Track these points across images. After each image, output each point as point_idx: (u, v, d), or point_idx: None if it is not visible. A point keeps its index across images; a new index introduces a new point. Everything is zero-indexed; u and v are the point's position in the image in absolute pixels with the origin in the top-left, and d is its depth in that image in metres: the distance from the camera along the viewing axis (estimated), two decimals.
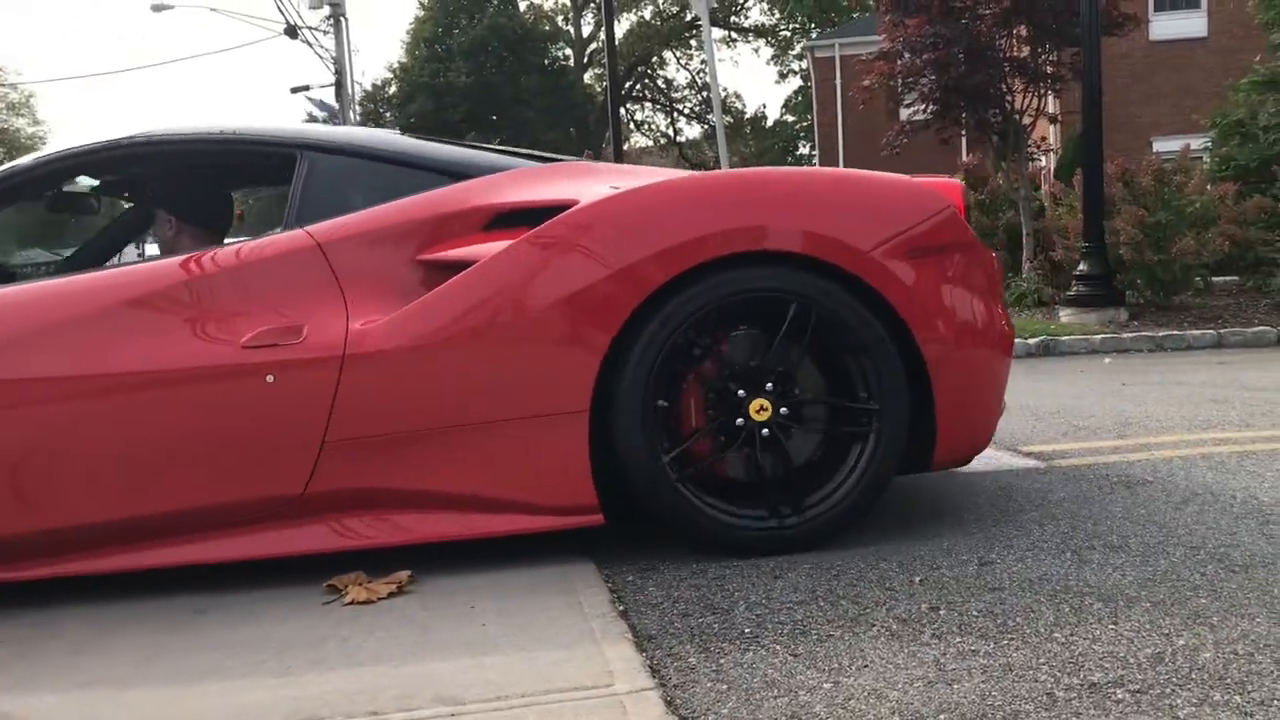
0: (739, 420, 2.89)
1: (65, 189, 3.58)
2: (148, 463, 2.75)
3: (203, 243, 3.33)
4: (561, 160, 3.44)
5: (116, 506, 2.75)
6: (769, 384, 2.89)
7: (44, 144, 63.94)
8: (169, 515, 2.77)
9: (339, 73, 31.32)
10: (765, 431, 2.89)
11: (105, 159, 3.25)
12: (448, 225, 2.98)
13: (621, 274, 2.76)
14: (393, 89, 41.96)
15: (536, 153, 3.57)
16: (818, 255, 2.80)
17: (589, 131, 42.06)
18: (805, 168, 3.28)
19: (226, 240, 3.44)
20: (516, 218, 2.94)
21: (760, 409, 2.88)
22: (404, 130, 3.81)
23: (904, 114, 14.48)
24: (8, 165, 3.17)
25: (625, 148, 28.97)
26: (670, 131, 49.21)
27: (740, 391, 2.88)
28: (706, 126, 47.42)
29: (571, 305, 2.77)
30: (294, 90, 31.59)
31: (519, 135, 36.94)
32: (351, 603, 2.69)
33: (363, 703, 2.06)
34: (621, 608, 2.59)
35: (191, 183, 3.57)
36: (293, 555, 2.83)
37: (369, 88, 41.72)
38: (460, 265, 2.86)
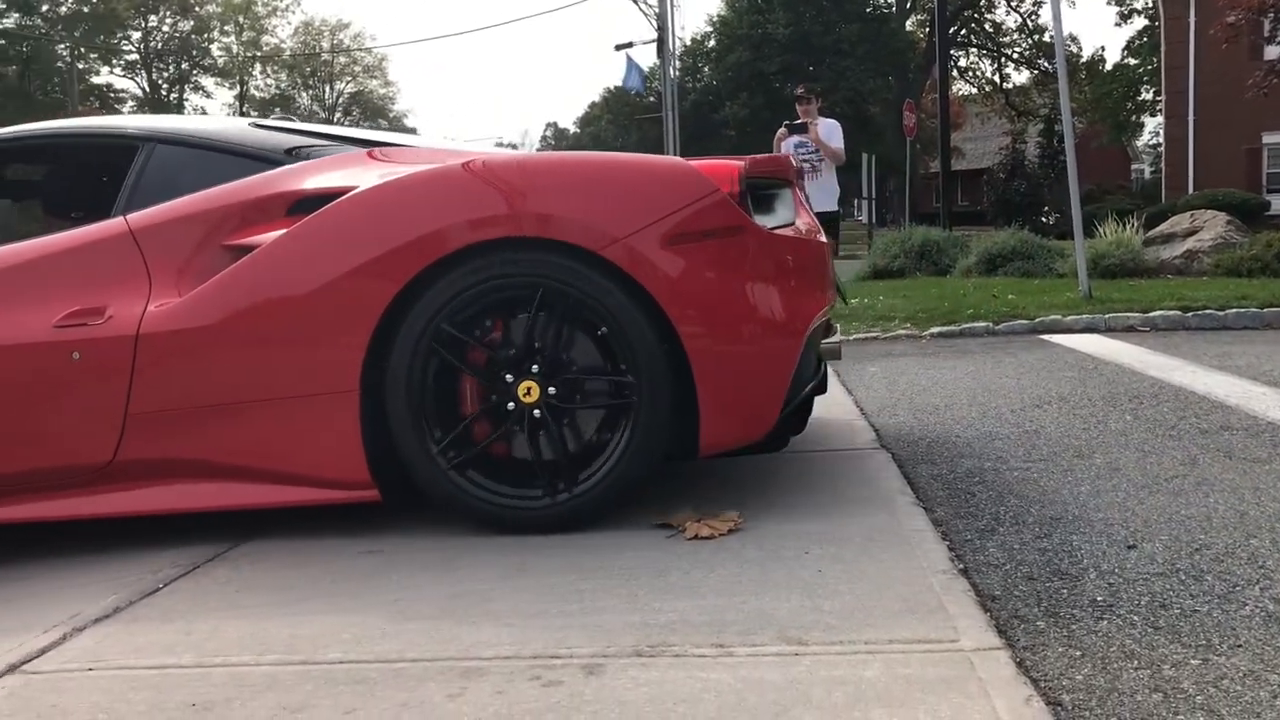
0: (510, 405, 2.88)
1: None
2: None
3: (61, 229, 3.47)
4: (390, 144, 3.45)
5: None
6: (535, 367, 2.87)
7: (393, 104, 69.28)
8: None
9: (661, 29, 31.94)
10: (536, 413, 2.88)
11: None
12: (255, 210, 3.06)
13: (378, 261, 2.82)
14: (711, 43, 42.34)
15: (367, 135, 3.57)
16: (570, 241, 2.78)
17: (909, 80, 40.76)
18: (568, 153, 3.21)
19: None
20: (315, 203, 2.98)
21: (528, 391, 2.87)
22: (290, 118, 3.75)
23: (1272, 52, 13.04)
24: None
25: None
26: (996, 78, 46.84)
27: (509, 376, 2.88)
28: (1035, 72, 44.77)
29: (332, 291, 2.85)
30: (618, 47, 32.54)
31: (836, 85, 36.32)
32: (694, 538, 2.78)
33: (709, 634, 2.13)
34: (961, 566, 2.53)
35: (50, 174, 3.76)
36: (109, 517, 3.01)
37: (689, 42, 42.31)
38: None
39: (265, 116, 67.93)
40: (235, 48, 65.22)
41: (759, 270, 2.90)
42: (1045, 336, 7.53)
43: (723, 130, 35.86)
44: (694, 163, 2.97)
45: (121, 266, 3.06)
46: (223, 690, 1.99)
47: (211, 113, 64.26)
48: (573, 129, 72.41)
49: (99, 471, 2.99)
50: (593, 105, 63.58)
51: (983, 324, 7.91)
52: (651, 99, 39.01)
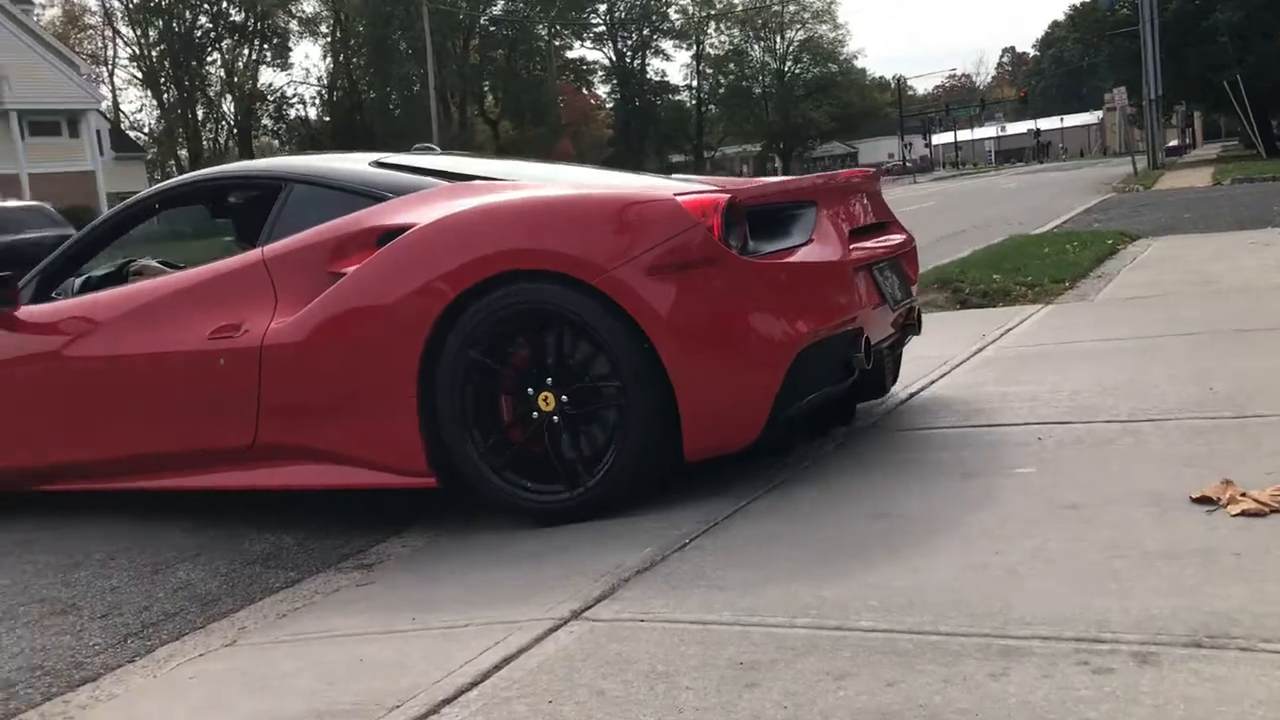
0: (534, 413, 3.26)
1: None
2: (166, 415, 3.85)
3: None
4: (478, 179, 3.84)
5: (139, 444, 3.92)
6: (550, 379, 3.25)
7: (843, 46, 68.94)
8: (171, 454, 3.87)
9: None
10: (555, 419, 3.24)
11: (182, 194, 4.51)
12: (353, 242, 3.59)
13: (422, 289, 3.32)
14: None
15: (463, 168, 3.97)
16: (566, 272, 3.15)
17: None
18: (565, 194, 3.50)
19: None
20: (393, 236, 3.48)
21: (545, 400, 3.24)
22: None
23: None
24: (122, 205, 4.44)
25: None
26: None
27: (529, 389, 3.27)
28: None
29: (390, 312, 3.38)
30: None
31: None
32: (1241, 514, 2.52)
33: (1275, 626, 1.92)
34: None
35: (233, 208, 4.59)
36: (256, 489, 3.75)
37: None
38: None
39: (720, 71, 69.88)
40: (691, 9, 68.01)
41: (738, 297, 3.15)
42: None
43: (1213, 38, 31.92)
44: (680, 196, 3.22)
45: (257, 290, 3.73)
46: (764, 650, 2.09)
47: (670, 74, 67.59)
48: (1032, 51, 68.12)
49: (244, 452, 3.73)
50: (1055, 25, 59.38)
51: None
52: (1125, 11, 35.59)
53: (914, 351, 5.55)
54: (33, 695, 2.65)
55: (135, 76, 57.82)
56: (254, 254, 3.83)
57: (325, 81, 58.79)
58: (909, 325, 4.10)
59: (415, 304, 3.33)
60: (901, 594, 2.29)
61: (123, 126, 53.08)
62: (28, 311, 4.26)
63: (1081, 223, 14.44)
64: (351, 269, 3.53)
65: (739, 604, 2.34)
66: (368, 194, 3.77)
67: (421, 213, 3.52)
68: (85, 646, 2.94)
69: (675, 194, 3.24)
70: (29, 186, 38.47)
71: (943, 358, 5.07)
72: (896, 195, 37.63)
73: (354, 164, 4.05)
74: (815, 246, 3.42)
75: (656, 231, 3.15)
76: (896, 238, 4.13)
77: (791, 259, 3.32)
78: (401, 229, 3.49)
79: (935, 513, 2.84)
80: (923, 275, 8.81)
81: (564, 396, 3.24)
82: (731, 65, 75.52)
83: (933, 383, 4.58)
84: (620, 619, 2.35)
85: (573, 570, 2.76)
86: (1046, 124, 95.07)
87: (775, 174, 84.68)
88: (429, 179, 3.82)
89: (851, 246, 3.57)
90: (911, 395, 4.38)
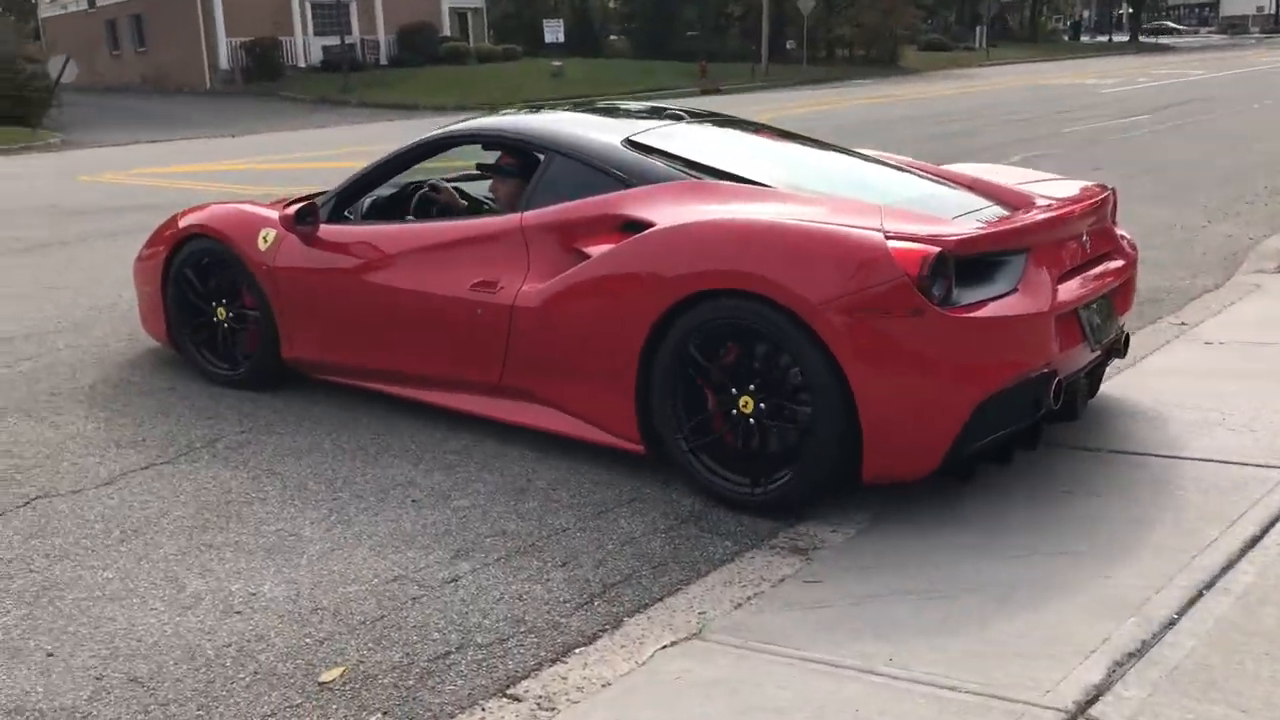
0: (733, 410, 3.66)
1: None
2: (428, 344, 4.50)
3: (509, 200, 4.67)
4: (710, 182, 4.13)
5: (413, 363, 4.60)
6: (749, 385, 3.60)
7: None
8: (433, 376, 4.55)
9: None
10: (736, 418, 3.65)
11: (465, 139, 4.93)
12: (599, 224, 4.07)
13: (652, 285, 3.73)
14: None
15: (713, 163, 4.30)
16: (776, 300, 3.45)
17: None
18: (791, 222, 3.63)
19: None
20: (634, 227, 3.93)
21: (745, 404, 3.62)
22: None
23: None
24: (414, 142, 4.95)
25: None
26: None
27: (731, 388, 3.65)
28: None
29: (623, 300, 3.84)
30: None
31: None
32: None
33: None
34: None
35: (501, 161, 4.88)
36: (495, 421, 4.39)
37: None
38: None
39: None
40: None
41: (933, 346, 3.32)
42: None
43: None
44: (893, 242, 3.35)
45: (513, 252, 4.25)
46: None
47: None
48: None
49: (490, 388, 4.37)
50: None
51: None
52: None
53: None
54: (525, 658, 2.89)
55: None
56: (514, 219, 4.35)
57: None
58: (1114, 350, 4.15)
59: (645, 297, 3.76)
60: None
61: None
62: (326, 230, 4.92)
63: None
64: (592, 249, 4.01)
65: None
66: (616, 177, 4.18)
67: (663, 210, 3.94)
68: (556, 601, 3.18)
69: (889, 236, 3.39)
70: None
71: None
72: (1263, 67, 32.55)
73: (609, 139, 4.39)
74: (1019, 297, 3.49)
75: (865, 275, 3.35)
76: (1114, 265, 4.09)
77: (990, 312, 3.41)
78: (642, 223, 3.92)
79: None
80: None
81: (760, 405, 3.60)
82: None
83: None
84: None
85: (1049, 631, 2.70)
86: None
87: (1120, 21, 76.97)
88: (673, 170, 4.18)
89: (1060, 288, 3.62)
90: None
